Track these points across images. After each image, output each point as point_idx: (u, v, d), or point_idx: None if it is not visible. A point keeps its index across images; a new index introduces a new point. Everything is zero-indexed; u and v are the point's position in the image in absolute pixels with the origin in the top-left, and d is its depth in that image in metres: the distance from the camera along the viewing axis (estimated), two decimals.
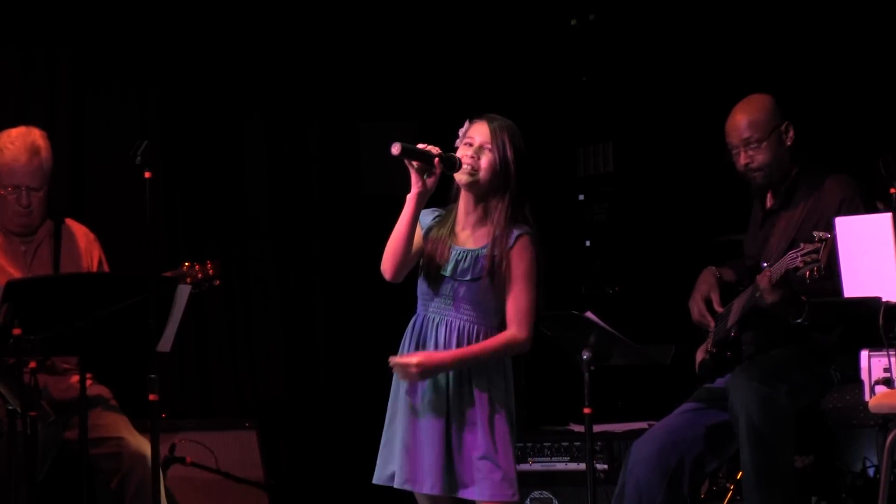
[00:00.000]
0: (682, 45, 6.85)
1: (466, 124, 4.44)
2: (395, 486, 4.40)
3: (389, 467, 4.42)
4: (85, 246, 5.67)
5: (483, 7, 7.27)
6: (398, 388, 4.47)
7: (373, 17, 7.27)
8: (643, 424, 5.67)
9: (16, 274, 5.46)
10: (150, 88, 6.95)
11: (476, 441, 4.35)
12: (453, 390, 4.38)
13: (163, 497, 5.21)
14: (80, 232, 5.70)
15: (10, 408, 5.11)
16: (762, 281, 4.92)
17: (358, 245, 7.20)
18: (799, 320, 4.88)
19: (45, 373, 5.32)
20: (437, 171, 4.35)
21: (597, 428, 5.15)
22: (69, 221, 5.72)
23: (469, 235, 4.43)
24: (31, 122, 5.74)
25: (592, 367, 4.91)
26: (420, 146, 4.35)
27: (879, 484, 4.41)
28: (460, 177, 4.39)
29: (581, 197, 7.26)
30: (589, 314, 4.94)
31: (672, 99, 6.87)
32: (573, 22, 7.28)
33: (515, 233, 4.37)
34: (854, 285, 4.41)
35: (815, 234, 4.64)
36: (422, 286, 4.48)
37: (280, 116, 7.26)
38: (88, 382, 5.28)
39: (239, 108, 7.17)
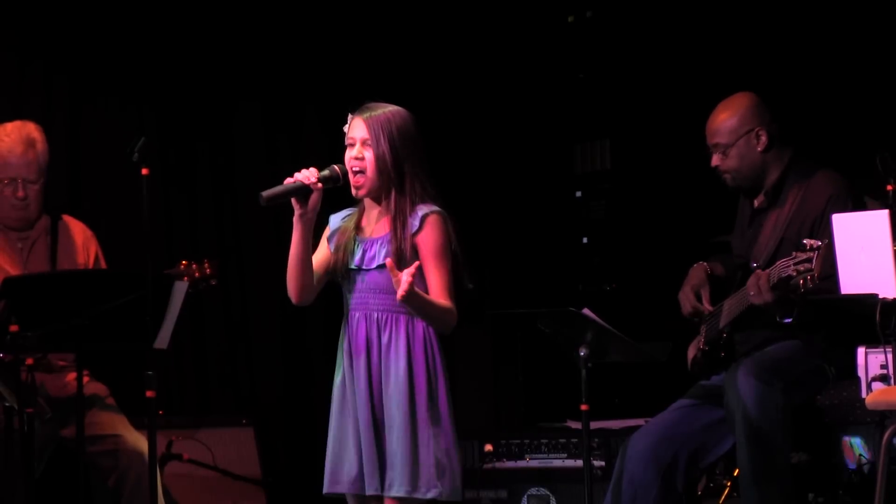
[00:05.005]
0: (680, 42, 6.85)
1: (349, 118, 4.38)
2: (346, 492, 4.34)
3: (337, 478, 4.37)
4: (82, 242, 5.67)
5: (481, 3, 7.27)
6: (339, 402, 4.47)
7: (370, 11, 7.26)
8: (640, 421, 5.66)
9: (12, 270, 5.46)
10: (146, 85, 6.94)
11: (393, 434, 4.30)
12: (378, 389, 4.36)
13: (160, 494, 5.21)
14: (77, 228, 5.70)
15: (6, 405, 5.11)
16: (751, 287, 4.90)
17: None
18: (788, 320, 4.88)
19: (41, 370, 5.31)
20: (318, 193, 4.31)
21: (594, 425, 5.15)
22: (66, 218, 5.72)
23: (373, 226, 4.38)
24: (27, 116, 5.75)
25: (589, 364, 4.92)
26: (289, 180, 4.31)
27: (876, 480, 4.41)
28: (352, 188, 4.35)
29: (578, 194, 7.25)
30: (586, 311, 4.94)
31: (669, 96, 6.86)
32: (570, 19, 7.28)
33: (420, 213, 4.31)
34: (851, 282, 4.41)
35: (805, 242, 4.61)
36: (341, 285, 4.44)
37: (275, 111, 7.24)
38: (85, 380, 5.29)
39: (235, 103, 7.16)
